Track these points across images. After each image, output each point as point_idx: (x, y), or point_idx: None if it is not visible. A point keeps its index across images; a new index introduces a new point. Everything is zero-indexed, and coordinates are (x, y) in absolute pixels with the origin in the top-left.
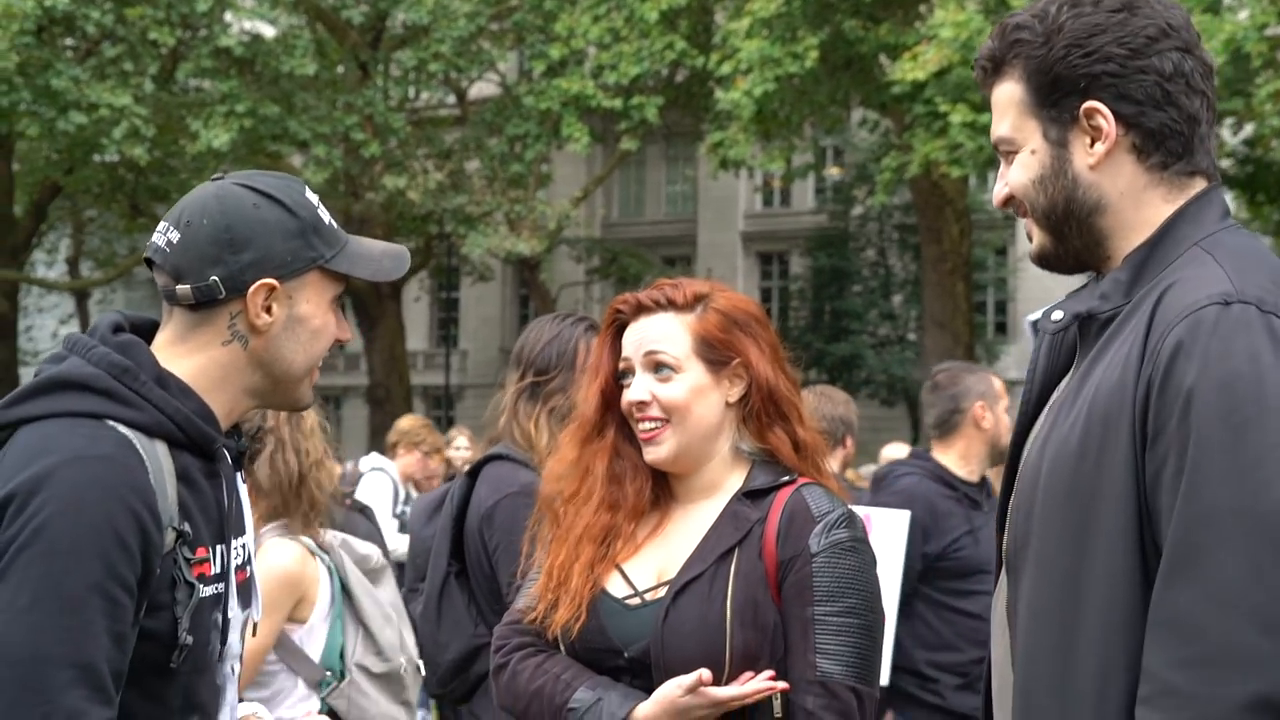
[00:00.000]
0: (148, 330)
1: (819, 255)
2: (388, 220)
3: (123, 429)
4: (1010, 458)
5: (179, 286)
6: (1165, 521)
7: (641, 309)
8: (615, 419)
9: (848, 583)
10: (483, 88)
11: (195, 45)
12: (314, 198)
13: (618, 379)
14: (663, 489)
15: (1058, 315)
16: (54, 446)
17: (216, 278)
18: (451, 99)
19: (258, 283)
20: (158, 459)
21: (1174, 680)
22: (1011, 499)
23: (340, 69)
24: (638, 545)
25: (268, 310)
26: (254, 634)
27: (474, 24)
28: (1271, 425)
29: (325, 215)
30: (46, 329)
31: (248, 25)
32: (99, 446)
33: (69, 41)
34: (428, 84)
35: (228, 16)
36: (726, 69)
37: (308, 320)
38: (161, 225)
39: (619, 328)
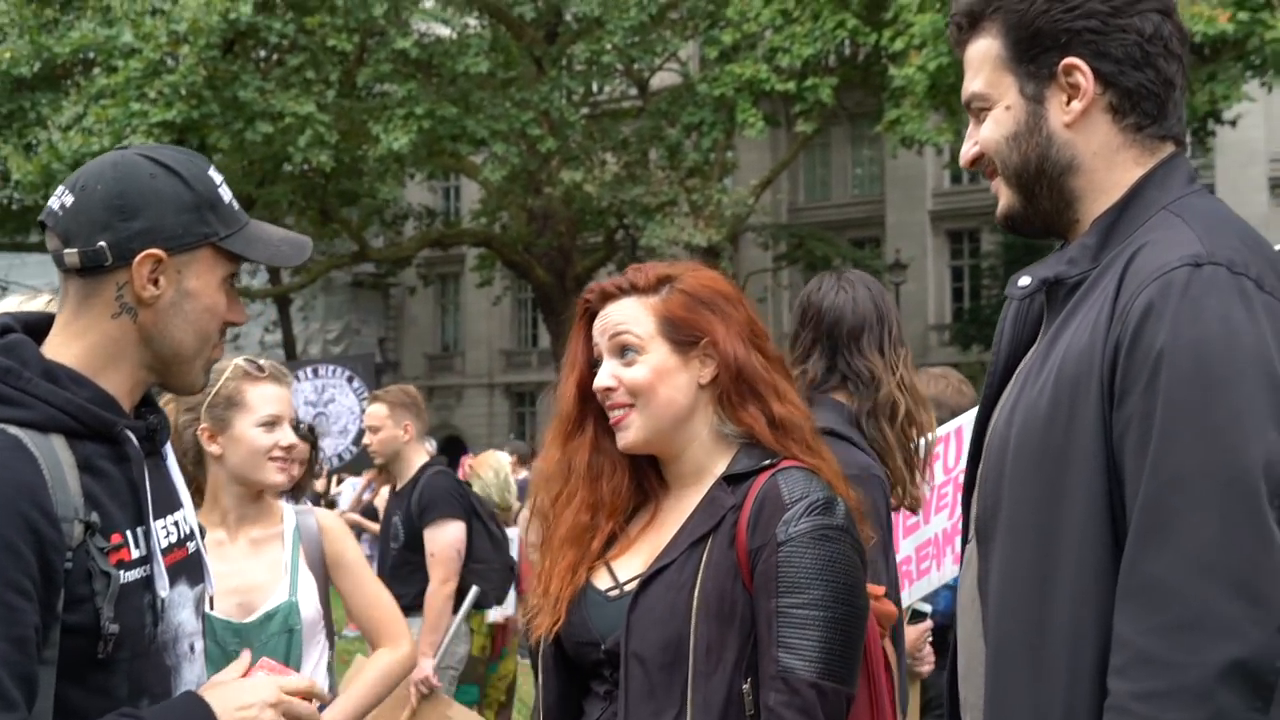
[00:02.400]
0: (44, 325)
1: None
2: (569, 214)
3: (12, 429)
4: (976, 429)
5: (67, 251)
6: (1131, 482)
7: (607, 296)
8: (594, 411)
9: (814, 574)
10: (665, 77)
11: (374, 50)
12: (217, 176)
13: (593, 369)
14: (655, 479)
15: (1025, 281)
16: None
17: (104, 243)
18: (634, 90)
19: (144, 252)
20: (54, 454)
21: (1149, 647)
22: (980, 468)
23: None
24: (631, 539)
25: (154, 282)
26: (211, 607)
27: (645, 13)
28: (1243, 388)
29: (226, 194)
30: (253, 336)
31: (423, 28)
32: None
33: (260, 53)
34: (605, 77)
35: (412, 21)
36: (900, 45)
37: (196, 297)
38: (59, 189)
39: (590, 318)
